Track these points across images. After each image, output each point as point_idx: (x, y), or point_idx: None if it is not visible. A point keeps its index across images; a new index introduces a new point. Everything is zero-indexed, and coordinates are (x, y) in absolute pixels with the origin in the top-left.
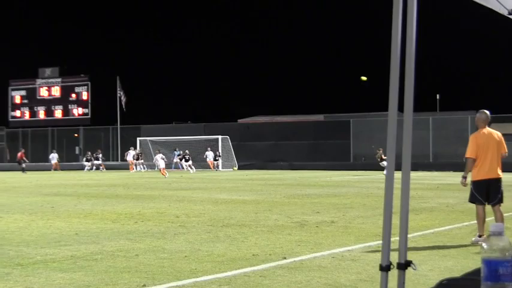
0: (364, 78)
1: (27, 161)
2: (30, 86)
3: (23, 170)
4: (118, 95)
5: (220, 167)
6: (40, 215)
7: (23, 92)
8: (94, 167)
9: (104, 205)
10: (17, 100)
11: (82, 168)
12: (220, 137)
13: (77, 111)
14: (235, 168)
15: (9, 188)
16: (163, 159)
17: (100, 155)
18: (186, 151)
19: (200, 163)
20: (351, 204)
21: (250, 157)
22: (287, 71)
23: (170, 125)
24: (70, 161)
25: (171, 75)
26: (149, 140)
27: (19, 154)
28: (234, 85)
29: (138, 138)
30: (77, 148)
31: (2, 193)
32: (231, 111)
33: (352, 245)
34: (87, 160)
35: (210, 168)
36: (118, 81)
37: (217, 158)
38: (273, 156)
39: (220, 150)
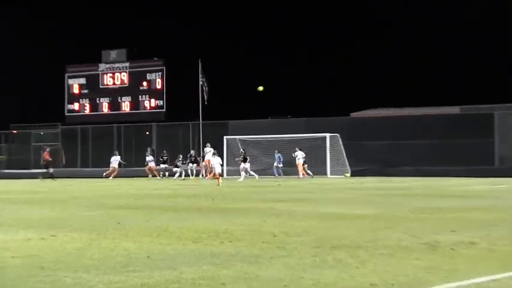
0: (260, 88)
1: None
2: (92, 72)
3: (51, 175)
4: (200, 82)
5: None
6: (103, 233)
7: (83, 80)
8: (165, 173)
9: (182, 220)
10: (75, 90)
11: (153, 174)
12: (328, 135)
13: (149, 103)
14: (348, 174)
15: (65, 199)
16: (219, 163)
17: (180, 159)
18: (242, 150)
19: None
20: (496, 221)
21: (365, 160)
22: (412, 52)
23: (265, 120)
24: (139, 165)
25: (263, 59)
26: (238, 139)
27: (45, 154)
28: (344, 70)
29: (224, 137)
30: (148, 149)
31: (56, 205)
32: (340, 102)
33: (498, 274)
34: (163, 162)
35: (300, 174)
36: (200, 66)
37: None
38: (395, 159)
39: (328, 152)
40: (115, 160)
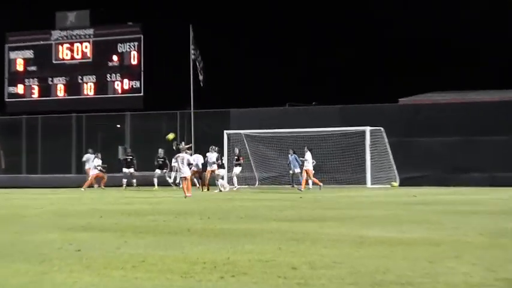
0: (170, 136)
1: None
2: (42, 42)
3: None
4: (191, 57)
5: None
6: (58, 264)
7: (29, 53)
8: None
9: (166, 247)
10: (19, 67)
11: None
12: (368, 128)
13: (121, 84)
14: (395, 183)
15: (4, 217)
16: (191, 163)
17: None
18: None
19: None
20: None
21: (419, 164)
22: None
23: (281, 108)
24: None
25: (277, 26)
26: (244, 135)
27: None
28: (389, 43)
29: (225, 132)
30: (120, 149)
31: None
32: (386, 84)
33: None
34: (127, 166)
35: (310, 184)
36: (191, 35)
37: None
38: (461, 162)
39: (368, 153)
40: (91, 161)
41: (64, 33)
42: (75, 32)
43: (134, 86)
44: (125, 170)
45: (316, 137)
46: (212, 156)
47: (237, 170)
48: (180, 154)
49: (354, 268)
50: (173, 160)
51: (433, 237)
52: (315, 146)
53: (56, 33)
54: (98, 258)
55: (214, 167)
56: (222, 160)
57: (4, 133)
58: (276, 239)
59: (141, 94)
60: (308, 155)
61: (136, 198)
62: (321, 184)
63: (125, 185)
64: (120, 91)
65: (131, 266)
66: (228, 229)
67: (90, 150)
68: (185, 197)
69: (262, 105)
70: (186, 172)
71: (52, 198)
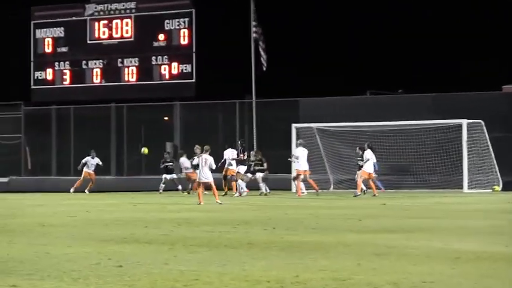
0: (145, 151)
1: None
2: (74, 18)
3: None
4: (253, 36)
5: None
6: (95, 283)
7: (59, 31)
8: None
9: (223, 263)
10: (47, 48)
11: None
12: (465, 121)
13: (169, 69)
14: (497, 187)
15: (30, 227)
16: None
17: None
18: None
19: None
20: None
21: None
22: None
23: (360, 97)
24: (152, 171)
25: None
26: (316, 129)
27: None
28: (491, 17)
29: (293, 125)
30: (168, 145)
31: (16, 237)
32: (486, 69)
33: None
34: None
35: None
36: (252, 9)
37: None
38: None
39: (465, 150)
40: (90, 162)
41: (100, 7)
42: (114, 5)
43: (184, 71)
44: (165, 176)
45: (402, 131)
46: (230, 153)
47: (241, 169)
48: (203, 155)
49: None
50: (195, 159)
51: None
52: (401, 142)
53: (90, 8)
54: (143, 276)
55: (234, 166)
56: (244, 155)
57: (30, 127)
58: (354, 254)
59: (193, 80)
60: (369, 154)
61: (186, 204)
62: (318, 189)
63: (161, 190)
64: (167, 77)
65: (182, 285)
66: (297, 242)
67: (92, 151)
68: (199, 203)
69: (337, 93)
70: (207, 176)
71: (87, 205)
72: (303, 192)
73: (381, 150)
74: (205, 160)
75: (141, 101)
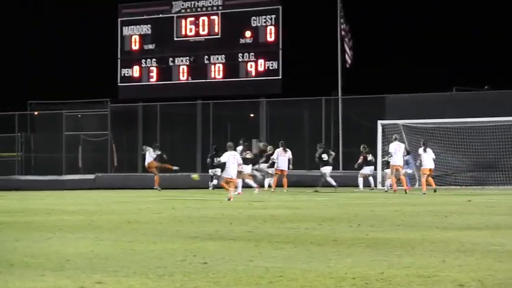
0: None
1: None
2: (161, 15)
3: None
4: (340, 33)
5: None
6: (180, 280)
7: (146, 29)
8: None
9: (309, 260)
10: (134, 45)
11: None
12: None
13: (256, 66)
14: None
15: (116, 224)
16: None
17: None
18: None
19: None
20: None
21: None
22: None
23: (446, 93)
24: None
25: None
26: (402, 125)
27: None
28: None
29: (379, 122)
30: (254, 142)
31: (103, 233)
32: None
33: None
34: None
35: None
36: (339, 6)
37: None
38: None
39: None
40: (149, 155)
41: (188, 4)
42: (201, 2)
43: (271, 68)
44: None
45: (488, 128)
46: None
47: (247, 168)
48: (233, 152)
49: None
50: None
51: None
52: (487, 139)
53: (178, 4)
54: (228, 273)
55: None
56: (246, 154)
57: (117, 124)
58: (439, 251)
59: (279, 77)
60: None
61: (272, 202)
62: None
63: (211, 187)
64: (254, 73)
65: (267, 281)
66: (382, 239)
67: (145, 147)
68: (229, 199)
69: (423, 89)
70: (231, 172)
71: (173, 201)
72: (390, 188)
73: (467, 146)
74: (234, 156)
75: (227, 98)
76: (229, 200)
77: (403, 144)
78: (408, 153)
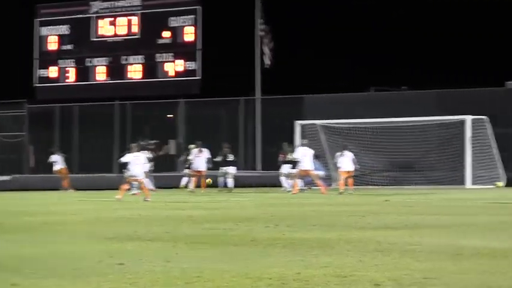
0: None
1: None
2: (79, 16)
3: None
4: (259, 33)
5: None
6: (96, 281)
7: (64, 29)
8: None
9: (225, 260)
10: (52, 45)
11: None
12: (469, 117)
13: (174, 66)
14: (501, 183)
15: (33, 225)
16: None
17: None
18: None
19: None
20: None
21: None
22: None
23: (364, 93)
24: (160, 168)
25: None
26: (320, 126)
27: None
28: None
29: (297, 122)
30: (172, 143)
31: (19, 235)
32: (490, 65)
33: None
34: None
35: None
36: (258, 9)
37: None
38: None
39: (469, 146)
40: (56, 160)
41: (106, 4)
42: (120, 3)
43: (189, 68)
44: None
45: (406, 128)
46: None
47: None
48: (137, 153)
49: (449, 285)
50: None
51: None
52: (404, 139)
53: (96, 5)
54: (145, 274)
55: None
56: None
57: (34, 125)
58: (356, 250)
59: (198, 77)
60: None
61: (190, 202)
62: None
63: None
64: (172, 74)
65: (184, 282)
66: (299, 239)
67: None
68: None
69: (341, 90)
70: (136, 172)
71: (91, 203)
72: (299, 189)
73: (385, 147)
74: (137, 157)
75: (145, 99)
76: (134, 194)
77: (311, 149)
78: (317, 157)
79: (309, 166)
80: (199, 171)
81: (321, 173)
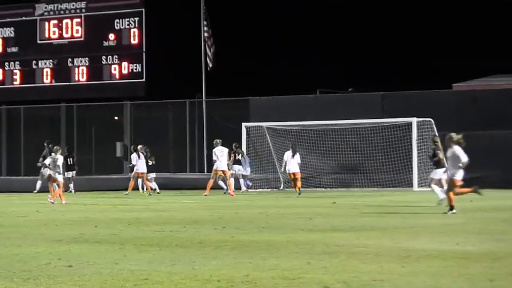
0: None
1: None
2: (23, 18)
3: None
4: (203, 35)
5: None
6: (45, 283)
7: (9, 31)
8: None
9: (174, 262)
10: None
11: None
12: (415, 119)
13: (119, 68)
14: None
15: None
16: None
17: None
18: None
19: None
20: None
21: (478, 162)
22: None
23: (310, 96)
24: (107, 170)
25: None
26: (266, 128)
27: None
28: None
29: (244, 124)
30: (118, 145)
31: None
32: (436, 67)
33: None
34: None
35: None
36: (203, 8)
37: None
38: None
39: (415, 149)
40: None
41: (51, 6)
42: (64, 5)
43: (134, 70)
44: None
45: (352, 130)
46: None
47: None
48: (56, 155)
49: (397, 287)
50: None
51: (494, 250)
52: (351, 141)
53: (41, 7)
54: (93, 276)
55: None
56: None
57: None
58: (304, 253)
59: (143, 80)
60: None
61: (138, 205)
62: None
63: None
64: (117, 76)
65: (132, 284)
66: (247, 241)
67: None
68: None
69: (287, 92)
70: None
71: (37, 205)
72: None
73: (331, 149)
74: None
75: (91, 101)
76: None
77: (226, 148)
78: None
79: (224, 166)
80: (142, 173)
81: (245, 172)
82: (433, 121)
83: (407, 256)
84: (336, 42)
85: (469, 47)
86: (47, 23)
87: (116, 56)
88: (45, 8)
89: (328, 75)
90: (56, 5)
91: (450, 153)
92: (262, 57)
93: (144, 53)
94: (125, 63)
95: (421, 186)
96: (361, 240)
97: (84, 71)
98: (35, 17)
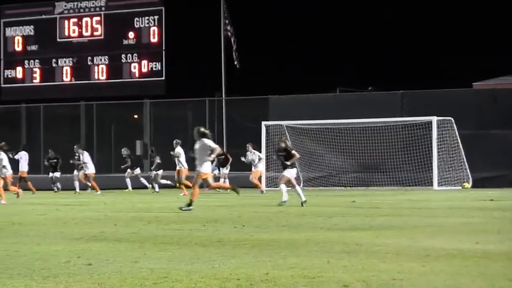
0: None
1: None
2: (43, 16)
3: None
4: (223, 34)
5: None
6: (64, 281)
7: (29, 29)
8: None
9: (193, 261)
10: (17, 46)
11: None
12: (435, 118)
13: (139, 67)
14: (467, 184)
15: (4, 226)
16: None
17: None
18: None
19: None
20: None
21: (498, 161)
22: None
23: (330, 95)
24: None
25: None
26: (286, 127)
27: None
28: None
29: (263, 123)
30: (138, 143)
31: None
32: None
33: None
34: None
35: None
36: (223, 7)
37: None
38: None
39: (435, 147)
40: (21, 157)
41: (70, 4)
42: (84, 3)
43: (154, 69)
44: (50, 174)
45: (372, 128)
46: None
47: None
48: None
49: (418, 286)
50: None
51: None
52: (371, 140)
53: (60, 5)
54: (112, 274)
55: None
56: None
57: (2, 124)
58: (324, 252)
59: (163, 78)
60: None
61: (156, 203)
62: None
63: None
64: (137, 75)
65: (152, 282)
66: (266, 240)
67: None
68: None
69: (307, 91)
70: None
71: (57, 203)
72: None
73: (351, 147)
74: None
75: (110, 99)
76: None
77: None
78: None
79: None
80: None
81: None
82: (453, 120)
83: (427, 255)
84: (356, 41)
85: (490, 45)
86: (66, 21)
87: (136, 55)
88: (65, 6)
89: (348, 73)
90: (75, 3)
91: (198, 145)
92: (282, 55)
93: (163, 52)
94: (144, 62)
95: (441, 185)
96: (380, 239)
97: (104, 70)
98: (55, 15)
